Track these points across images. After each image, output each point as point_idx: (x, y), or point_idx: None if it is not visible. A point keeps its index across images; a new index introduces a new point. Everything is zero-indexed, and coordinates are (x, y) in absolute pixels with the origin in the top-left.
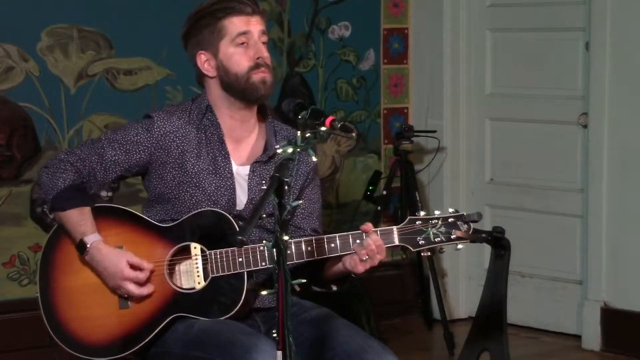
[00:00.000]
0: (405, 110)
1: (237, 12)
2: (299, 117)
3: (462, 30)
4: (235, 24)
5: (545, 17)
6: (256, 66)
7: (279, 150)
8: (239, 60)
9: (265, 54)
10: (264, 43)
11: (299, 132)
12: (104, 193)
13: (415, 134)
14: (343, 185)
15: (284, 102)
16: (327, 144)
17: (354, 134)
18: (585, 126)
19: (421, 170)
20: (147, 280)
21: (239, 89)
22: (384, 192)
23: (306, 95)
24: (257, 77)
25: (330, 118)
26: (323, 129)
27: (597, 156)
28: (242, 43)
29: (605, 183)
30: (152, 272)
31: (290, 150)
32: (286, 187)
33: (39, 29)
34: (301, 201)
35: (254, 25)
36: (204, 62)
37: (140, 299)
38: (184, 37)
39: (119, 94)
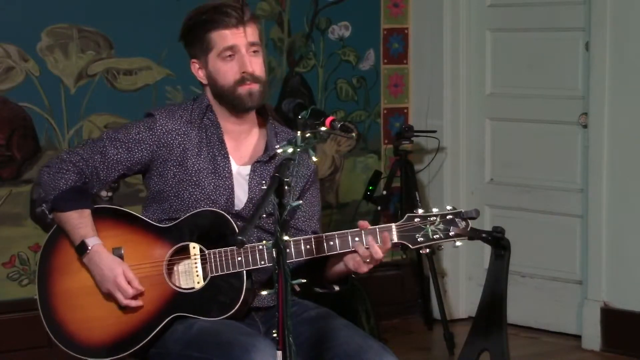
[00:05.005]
0: (405, 110)
1: (222, 26)
2: (299, 117)
3: (462, 30)
4: (222, 37)
5: (545, 17)
6: (241, 80)
7: (279, 151)
8: (225, 74)
9: (250, 68)
10: (255, 52)
11: (299, 132)
12: (104, 193)
13: (415, 134)
14: (343, 185)
15: (284, 102)
16: (327, 144)
17: (354, 134)
18: (585, 126)
19: (421, 170)
20: (135, 297)
21: (227, 100)
22: (384, 192)
23: (306, 95)
24: (243, 90)
25: (330, 118)
26: (323, 129)
27: (597, 156)
28: (229, 56)
29: (605, 183)
30: (150, 273)
31: (290, 150)
32: (286, 187)
33: (39, 29)
34: (301, 201)
35: (240, 38)
36: (197, 70)
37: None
38: (180, 41)
39: (119, 94)
